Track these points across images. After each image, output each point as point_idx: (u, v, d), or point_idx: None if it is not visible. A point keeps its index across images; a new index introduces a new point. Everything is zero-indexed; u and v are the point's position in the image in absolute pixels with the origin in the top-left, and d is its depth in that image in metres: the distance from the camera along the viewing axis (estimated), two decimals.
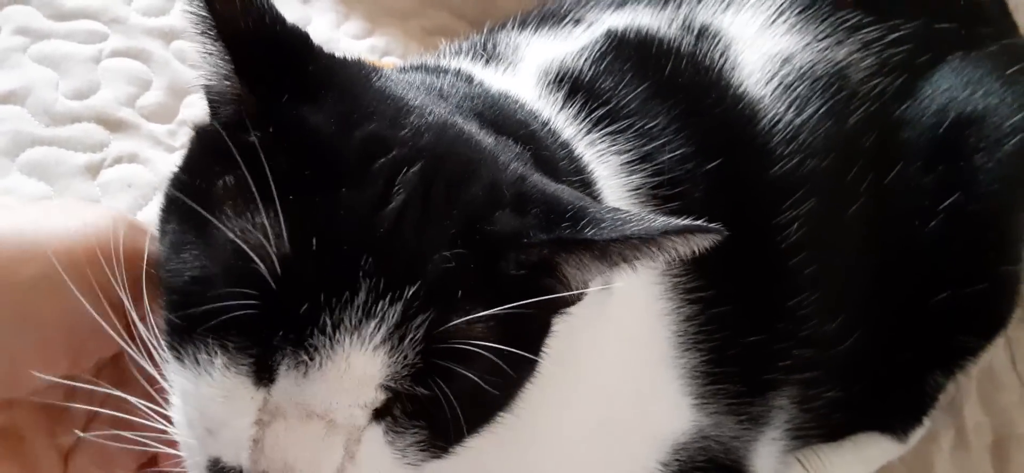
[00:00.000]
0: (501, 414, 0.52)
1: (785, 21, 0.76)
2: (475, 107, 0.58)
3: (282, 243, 0.43)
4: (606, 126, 0.65)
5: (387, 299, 0.43)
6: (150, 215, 0.85)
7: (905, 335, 0.79)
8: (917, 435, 0.87)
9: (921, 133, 0.76)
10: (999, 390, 0.96)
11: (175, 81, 0.96)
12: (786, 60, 0.74)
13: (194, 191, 0.48)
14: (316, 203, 0.44)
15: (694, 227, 0.48)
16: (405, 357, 0.44)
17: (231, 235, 0.44)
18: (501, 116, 0.58)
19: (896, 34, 0.77)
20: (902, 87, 0.77)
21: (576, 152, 0.62)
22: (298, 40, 0.50)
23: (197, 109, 0.94)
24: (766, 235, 0.68)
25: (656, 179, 0.64)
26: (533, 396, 0.58)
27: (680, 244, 0.48)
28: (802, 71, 0.73)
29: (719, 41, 0.73)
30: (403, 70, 0.65)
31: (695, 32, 0.73)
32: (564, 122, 0.64)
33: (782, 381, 0.72)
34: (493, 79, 0.66)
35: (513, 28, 0.75)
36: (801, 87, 0.72)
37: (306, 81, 0.48)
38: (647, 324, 0.64)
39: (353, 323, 0.43)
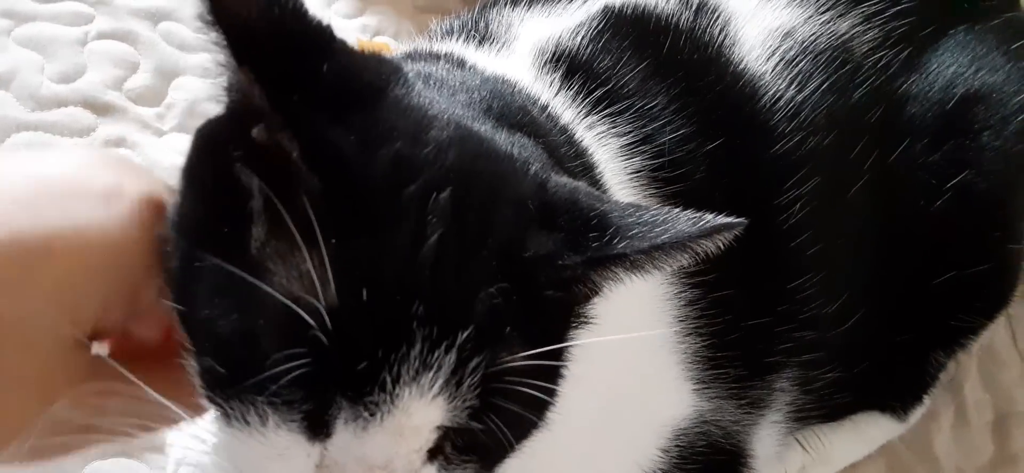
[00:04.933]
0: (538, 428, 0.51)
1: None
2: (482, 101, 0.55)
3: (330, 294, 0.40)
4: (605, 107, 0.63)
5: (442, 347, 0.42)
6: None
7: (907, 314, 0.78)
8: (917, 414, 0.86)
9: (927, 109, 0.75)
10: (1000, 368, 0.96)
11: (163, 63, 0.94)
12: (787, 34, 0.72)
13: (217, 213, 0.44)
14: (357, 245, 0.41)
15: (723, 225, 0.47)
16: (464, 401, 0.43)
17: (274, 290, 0.41)
18: (504, 106, 0.56)
19: (899, 6, 0.76)
20: (907, 61, 0.75)
21: (576, 136, 0.61)
22: (314, 35, 0.45)
23: (185, 92, 0.93)
24: (768, 216, 0.67)
25: (657, 161, 0.63)
26: None
27: (709, 244, 0.47)
28: (804, 45, 0.72)
29: (718, 16, 0.71)
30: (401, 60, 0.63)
31: (694, 7, 0.71)
32: (562, 104, 0.63)
33: (783, 363, 0.71)
34: (487, 61, 0.64)
35: (506, 5, 0.73)
36: (803, 62, 0.71)
37: (320, 85, 0.44)
38: (649, 310, 0.63)
39: (411, 375, 0.41)
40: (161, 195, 0.48)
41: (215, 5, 0.42)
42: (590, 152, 0.60)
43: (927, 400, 0.86)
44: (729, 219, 0.47)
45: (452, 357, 0.42)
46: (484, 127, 0.51)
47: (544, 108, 0.61)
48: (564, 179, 0.50)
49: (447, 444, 0.45)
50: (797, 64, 0.71)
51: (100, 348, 0.47)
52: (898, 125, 0.74)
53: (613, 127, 0.63)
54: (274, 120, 0.43)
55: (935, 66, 0.76)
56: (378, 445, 0.42)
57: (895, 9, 0.76)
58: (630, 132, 0.63)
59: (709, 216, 0.47)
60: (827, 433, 0.83)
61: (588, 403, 0.62)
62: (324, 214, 0.41)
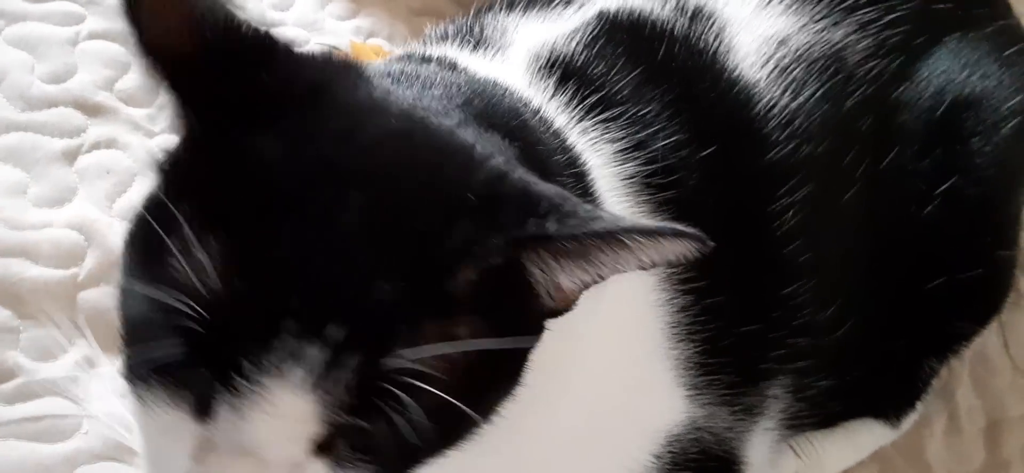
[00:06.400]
0: (477, 428, 0.50)
1: (781, 1, 0.74)
2: (460, 98, 0.55)
3: (210, 285, 0.42)
4: (599, 113, 0.63)
5: (313, 341, 0.42)
6: (128, 202, 0.83)
7: (899, 321, 0.78)
8: (910, 420, 0.86)
9: (918, 116, 0.75)
10: (992, 374, 0.96)
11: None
12: (782, 42, 0.72)
13: (152, 218, 0.47)
14: (251, 241, 0.43)
15: (665, 230, 0.46)
16: (338, 398, 0.43)
17: (162, 282, 0.43)
18: (489, 106, 0.56)
19: (893, 15, 0.76)
20: (899, 69, 0.75)
21: (568, 141, 0.60)
22: (251, 47, 0.47)
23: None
24: (761, 223, 0.67)
25: (650, 168, 0.62)
26: (520, 393, 0.57)
27: (649, 247, 0.45)
28: (798, 53, 0.72)
29: (713, 23, 0.71)
30: (387, 63, 0.63)
31: (689, 14, 0.71)
32: (556, 110, 0.62)
33: (777, 370, 0.71)
34: (480, 65, 0.64)
35: (501, 10, 0.73)
36: (797, 70, 0.71)
37: (259, 96, 0.46)
38: (640, 316, 0.63)
39: (277, 367, 0.42)
40: None
41: (146, 36, 0.44)
42: (583, 158, 0.60)
43: (920, 406, 0.86)
44: (679, 227, 0.45)
45: (321, 351, 0.42)
46: (448, 121, 0.51)
47: (536, 112, 0.61)
48: (532, 178, 0.48)
49: (341, 441, 0.45)
50: (791, 72, 0.71)
51: None
52: (890, 133, 0.74)
53: (606, 133, 0.63)
54: (199, 140, 0.46)
55: (926, 74, 0.76)
56: (252, 432, 0.43)
57: (889, 18, 0.76)
58: (623, 138, 0.63)
59: (665, 223, 0.46)
60: (820, 439, 0.82)
61: (577, 409, 0.62)
62: (221, 211, 0.43)
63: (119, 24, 0.99)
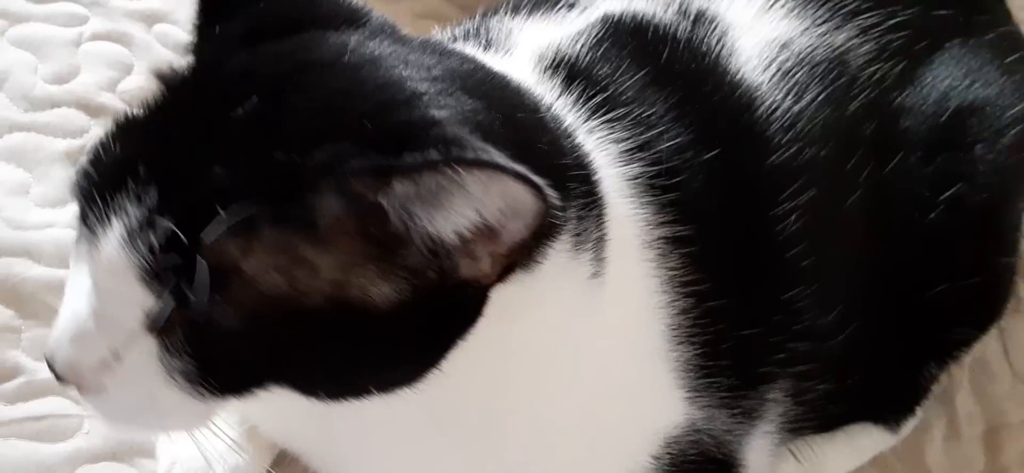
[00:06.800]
0: (355, 391, 0.51)
1: (783, 5, 0.74)
2: (452, 73, 0.53)
3: (101, 144, 0.50)
4: (604, 113, 0.63)
5: (134, 201, 0.46)
6: None
7: (900, 326, 0.78)
8: (909, 425, 0.86)
9: (922, 122, 0.75)
10: (991, 380, 0.96)
11: (157, 65, 0.94)
12: (784, 45, 0.72)
13: None
14: (148, 112, 0.50)
15: (508, 169, 0.43)
16: (145, 259, 0.46)
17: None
18: (491, 88, 0.55)
19: (895, 19, 0.76)
20: (902, 74, 0.75)
21: (576, 140, 0.60)
22: None
23: None
24: (764, 226, 0.67)
25: (654, 169, 0.62)
26: (515, 391, 0.58)
27: (490, 183, 0.44)
28: (801, 57, 0.72)
29: (716, 26, 0.71)
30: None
31: (692, 17, 0.71)
32: (563, 109, 0.63)
33: (777, 374, 0.71)
34: (492, 63, 0.64)
35: (506, 13, 0.74)
36: (800, 73, 0.71)
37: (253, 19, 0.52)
38: (641, 317, 0.63)
39: (106, 218, 0.47)
40: None
41: None
42: (591, 156, 0.60)
43: (919, 412, 0.86)
44: (528, 173, 0.43)
45: (137, 210, 0.46)
46: (408, 72, 0.51)
47: (548, 108, 0.61)
48: (459, 129, 0.47)
49: (179, 328, 0.47)
50: (794, 75, 0.71)
51: None
52: (893, 138, 0.75)
53: (611, 133, 0.63)
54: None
55: (929, 79, 0.76)
56: (99, 274, 0.48)
57: (891, 22, 0.76)
58: (628, 138, 0.63)
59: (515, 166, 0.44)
60: (820, 444, 0.82)
61: (576, 409, 0.62)
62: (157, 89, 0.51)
63: (122, 26, 1.01)
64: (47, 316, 0.75)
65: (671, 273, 0.63)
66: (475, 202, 0.45)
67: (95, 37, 0.94)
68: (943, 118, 0.75)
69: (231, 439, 0.68)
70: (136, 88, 0.92)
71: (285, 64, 0.50)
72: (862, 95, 0.73)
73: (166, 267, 0.45)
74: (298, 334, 0.48)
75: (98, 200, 0.47)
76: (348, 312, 0.47)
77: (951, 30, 0.79)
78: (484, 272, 0.49)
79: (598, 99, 0.63)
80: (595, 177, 0.59)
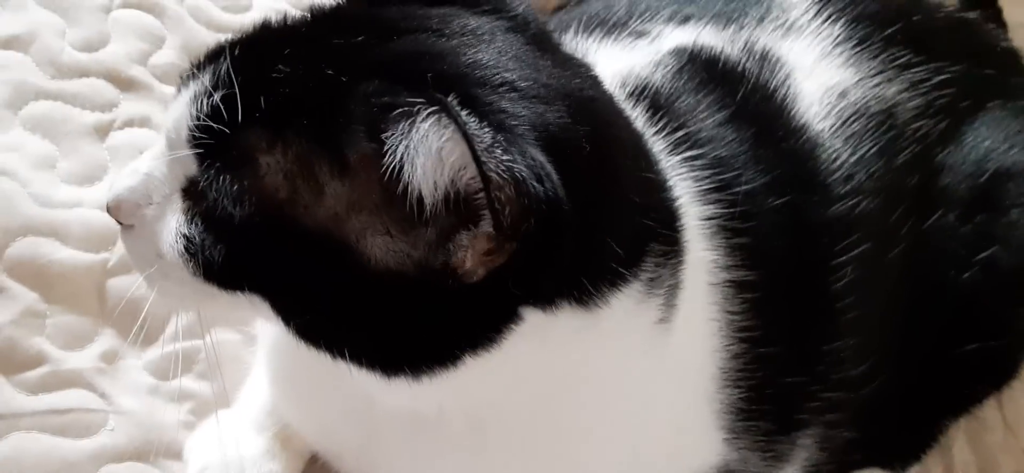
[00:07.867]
0: (322, 340, 0.51)
1: (841, 53, 0.75)
2: (578, 93, 0.53)
3: (209, 48, 0.55)
4: (685, 149, 0.63)
5: (212, 75, 0.52)
6: None
7: (923, 379, 0.79)
8: (913, 471, 0.88)
9: (961, 181, 0.76)
10: (985, 431, 0.98)
11: (190, 41, 0.91)
12: (842, 94, 0.73)
13: None
14: (280, 28, 0.55)
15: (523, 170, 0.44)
16: (195, 120, 0.51)
17: None
18: (595, 96, 0.54)
19: (942, 76, 0.77)
20: (945, 131, 0.77)
21: (668, 180, 0.60)
22: None
23: None
24: (820, 276, 0.68)
25: (728, 211, 0.62)
26: (566, 421, 0.57)
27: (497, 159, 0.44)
28: (857, 107, 0.72)
29: (781, 69, 0.72)
30: None
31: (758, 57, 0.71)
32: (650, 137, 0.62)
33: (810, 421, 0.72)
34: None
35: (578, 33, 0.73)
36: (856, 124, 0.72)
37: None
38: (697, 361, 0.63)
39: (189, 82, 0.53)
40: None
41: None
42: (676, 189, 0.60)
43: (924, 458, 0.88)
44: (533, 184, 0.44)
45: (200, 85, 0.52)
46: (516, 66, 0.50)
47: (641, 133, 0.60)
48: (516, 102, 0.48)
49: (204, 204, 0.51)
50: (851, 125, 0.71)
51: None
52: (933, 194, 0.75)
53: (692, 171, 0.62)
54: None
55: (971, 139, 0.78)
56: (168, 126, 0.54)
57: (938, 79, 0.77)
58: (707, 178, 0.63)
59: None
60: None
61: (622, 441, 0.62)
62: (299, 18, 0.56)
63: None
64: (74, 304, 0.71)
65: (730, 317, 0.63)
66: (446, 159, 0.45)
67: (126, 5, 0.90)
68: (982, 179, 0.76)
69: (263, 446, 0.67)
70: (168, 63, 0.88)
71: (411, 23, 0.52)
72: (908, 149, 0.74)
73: (206, 131, 0.50)
74: (284, 250, 0.50)
75: (192, 66, 0.54)
76: (335, 251, 0.49)
77: (993, 90, 0.80)
78: (460, 261, 0.47)
79: (679, 134, 0.63)
80: (676, 208, 0.58)
